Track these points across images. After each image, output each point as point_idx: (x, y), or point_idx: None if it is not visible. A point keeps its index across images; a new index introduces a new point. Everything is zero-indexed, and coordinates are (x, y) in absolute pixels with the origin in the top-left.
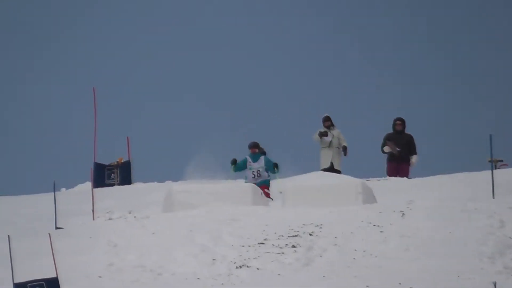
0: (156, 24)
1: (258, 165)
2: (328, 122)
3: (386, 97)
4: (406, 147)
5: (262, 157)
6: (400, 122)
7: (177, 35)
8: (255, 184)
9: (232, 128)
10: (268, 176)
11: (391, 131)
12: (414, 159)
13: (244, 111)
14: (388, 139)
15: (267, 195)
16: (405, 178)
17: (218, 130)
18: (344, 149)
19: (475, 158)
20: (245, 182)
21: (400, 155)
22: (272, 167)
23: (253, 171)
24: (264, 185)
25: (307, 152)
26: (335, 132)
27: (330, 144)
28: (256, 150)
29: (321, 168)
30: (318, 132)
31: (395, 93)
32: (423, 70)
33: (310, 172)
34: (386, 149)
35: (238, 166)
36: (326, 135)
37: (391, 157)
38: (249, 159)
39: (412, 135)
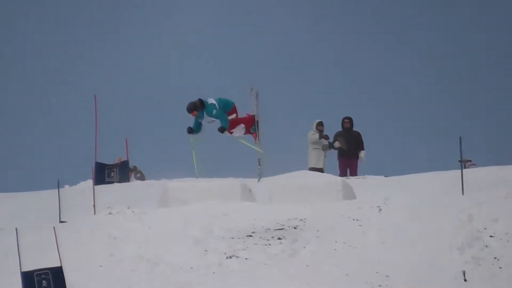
0: (158, 28)
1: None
2: (321, 127)
3: (361, 99)
4: (354, 143)
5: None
6: (348, 120)
7: (179, 39)
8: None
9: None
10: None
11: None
12: (362, 154)
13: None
14: (337, 136)
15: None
16: (382, 177)
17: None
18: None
19: (446, 158)
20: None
21: (348, 151)
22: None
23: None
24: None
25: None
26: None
27: (322, 147)
28: (195, 112)
29: (313, 167)
30: (319, 134)
31: (365, 94)
32: (397, 72)
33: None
34: (336, 144)
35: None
36: (328, 139)
37: (341, 153)
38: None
39: (360, 132)
